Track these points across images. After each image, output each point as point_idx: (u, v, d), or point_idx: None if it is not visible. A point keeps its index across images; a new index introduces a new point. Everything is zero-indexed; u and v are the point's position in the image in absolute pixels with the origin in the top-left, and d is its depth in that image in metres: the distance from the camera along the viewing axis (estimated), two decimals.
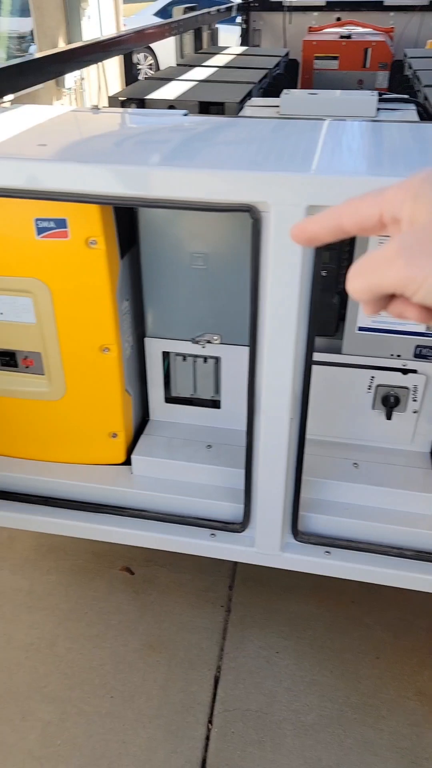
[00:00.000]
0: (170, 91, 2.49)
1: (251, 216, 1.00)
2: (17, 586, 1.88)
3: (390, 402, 1.34)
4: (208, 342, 1.37)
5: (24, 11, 4.90)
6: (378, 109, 1.97)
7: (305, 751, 1.48)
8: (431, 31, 4.07)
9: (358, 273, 0.42)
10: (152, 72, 8.11)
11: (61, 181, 1.03)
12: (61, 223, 1.17)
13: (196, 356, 1.42)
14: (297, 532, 1.30)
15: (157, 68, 8.25)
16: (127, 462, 1.47)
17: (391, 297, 0.43)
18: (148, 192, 1.02)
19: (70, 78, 5.21)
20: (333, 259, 1.29)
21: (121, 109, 2.09)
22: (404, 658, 1.67)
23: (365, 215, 0.44)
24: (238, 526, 1.31)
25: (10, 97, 1.97)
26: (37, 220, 1.17)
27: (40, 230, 1.18)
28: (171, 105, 2.30)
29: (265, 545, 1.31)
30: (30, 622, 1.78)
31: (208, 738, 1.51)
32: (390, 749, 1.49)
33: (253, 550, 1.31)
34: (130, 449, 1.47)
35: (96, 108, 1.46)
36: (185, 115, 1.36)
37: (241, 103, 2.26)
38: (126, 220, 1.27)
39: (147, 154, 1.12)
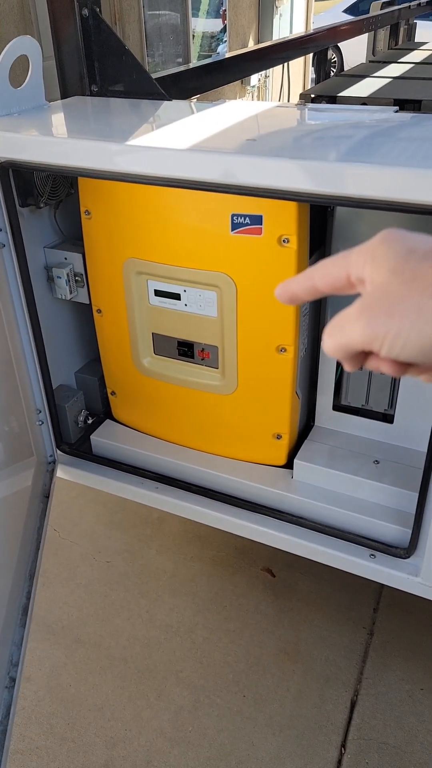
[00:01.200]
0: (363, 88, 2.41)
1: None
2: (162, 567, 1.94)
3: None
4: None
5: (218, 12, 5.05)
6: None
7: None
8: None
9: (329, 334, 0.46)
10: (335, 70, 7.97)
11: (259, 177, 1.01)
12: (256, 220, 1.16)
13: None
14: None
15: (341, 68, 8.09)
16: (288, 465, 1.44)
17: (366, 353, 0.46)
18: (345, 190, 0.97)
19: (255, 76, 5.28)
20: None
21: (329, 105, 2.05)
22: None
23: (335, 276, 0.47)
24: (403, 551, 1.23)
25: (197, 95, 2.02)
26: (234, 215, 1.17)
27: (235, 226, 1.18)
28: (364, 102, 2.22)
29: (431, 577, 1.21)
30: (172, 605, 1.82)
31: (340, 762, 1.45)
32: None
33: (416, 579, 1.22)
34: (292, 453, 1.44)
35: (302, 103, 1.44)
36: (396, 111, 1.29)
37: None
38: (318, 219, 1.23)
39: (362, 151, 1.07)
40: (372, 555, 1.27)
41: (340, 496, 1.36)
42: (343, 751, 1.47)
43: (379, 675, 1.62)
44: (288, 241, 1.16)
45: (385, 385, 1.38)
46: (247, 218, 1.16)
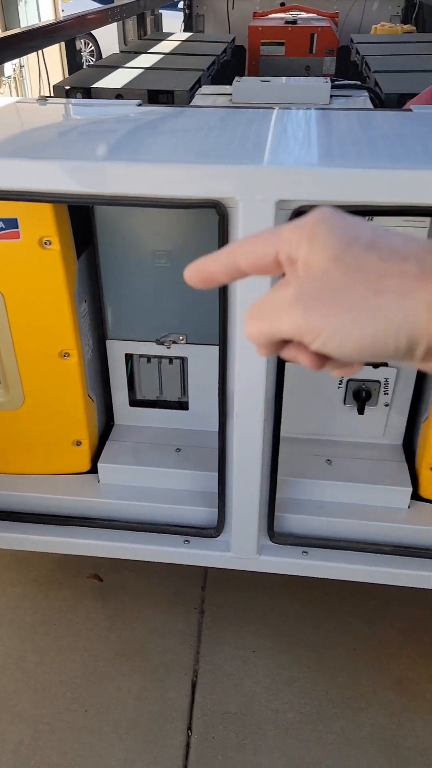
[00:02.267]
0: (116, 79, 2.41)
1: (218, 212, 0.95)
2: None
3: (361, 396, 1.33)
4: (174, 342, 1.32)
5: None
6: (330, 96, 1.95)
7: (287, 751, 1.47)
8: (375, 17, 4.08)
9: (256, 317, 0.42)
10: (93, 59, 7.88)
11: (7, 180, 0.95)
12: (11, 223, 1.10)
13: (161, 357, 1.37)
14: (273, 533, 1.28)
15: (99, 56, 8.02)
16: (93, 470, 1.41)
17: (285, 341, 0.42)
18: (105, 189, 0.96)
19: (9, 66, 5.02)
20: None
21: (70, 100, 2.00)
22: (381, 648, 1.68)
23: (260, 254, 0.43)
24: (213, 531, 1.27)
25: None
26: None
27: None
28: (119, 94, 2.22)
29: (241, 549, 1.27)
30: None
31: (188, 745, 1.48)
32: (371, 741, 1.49)
33: (229, 554, 1.27)
34: (96, 457, 1.41)
35: (44, 99, 1.38)
36: (138, 105, 1.30)
37: (191, 91, 2.20)
38: (81, 218, 1.20)
39: (103, 148, 1.06)
40: (186, 541, 1.30)
41: (148, 490, 1.37)
42: (189, 734, 1.50)
43: (214, 650, 1.68)
44: (50, 243, 1.11)
45: (176, 374, 1.41)
46: (1, 222, 1.09)
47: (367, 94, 2.05)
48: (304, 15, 3.71)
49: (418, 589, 1.35)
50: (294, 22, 3.41)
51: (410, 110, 1.25)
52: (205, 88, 2.22)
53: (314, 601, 1.79)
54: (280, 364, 1.09)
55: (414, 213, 0.94)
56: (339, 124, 1.17)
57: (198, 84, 2.31)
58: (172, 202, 0.96)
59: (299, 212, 0.90)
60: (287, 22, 3.40)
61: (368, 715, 1.54)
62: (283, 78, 2.09)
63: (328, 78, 2.03)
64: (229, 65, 3.11)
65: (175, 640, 1.70)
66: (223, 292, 1.03)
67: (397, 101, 2.05)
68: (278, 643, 1.69)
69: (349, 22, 4.00)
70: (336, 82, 2.10)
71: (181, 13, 4.30)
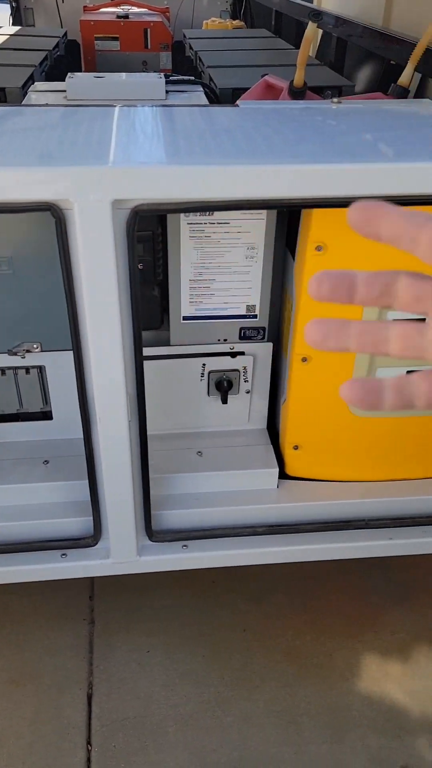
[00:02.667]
0: None
1: (53, 215, 0.93)
2: None
3: (224, 386, 1.36)
4: (28, 351, 1.27)
5: None
6: (166, 91, 1.96)
7: (189, 742, 1.49)
8: (205, 12, 4.16)
9: (403, 351, 0.38)
10: None
11: None
12: None
13: (16, 368, 1.31)
14: (152, 533, 1.27)
15: None
16: None
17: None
18: None
19: None
20: (148, 251, 1.26)
21: None
22: (269, 625, 1.74)
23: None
24: (90, 539, 1.25)
25: None
26: None
27: None
28: None
29: (121, 553, 1.26)
30: None
31: (89, 760, 1.45)
32: (267, 716, 1.54)
33: (109, 561, 1.25)
34: None
35: None
36: None
37: (24, 88, 2.11)
38: None
39: None
40: (63, 555, 1.26)
41: (18, 508, 1.31)
42: (90, 748, 1.47)
43: (107, 657, 1.65)
44: None
45: (35, 384, 1.35)
46: None
47: (201, 89, 2.08)
48: (135, 10, 3.70)
49: (295, 563, 1.42)
50: (126, 16, 3.39)
51: (237, 105, 1.29)
52: (39, 85, 2.14)
53: (202, 590, 1.82)
54: (139, 364, 1.09)
55: (251, 207, 0.97)
56: (172, 121, 1.18)
57: (31, 81, 2.23)
58: (6, 206, 0.92)
59: (137, 211, 0.90)
60: (119, 16, 3.37)
61: (262, 692, 1.59)
62: (118, 74, 2.07)
63: (162, 74, 2.04)
64: (63, 60, 3.03)
65: (66, 655, 1.66)
66: (71, 295, 1.01)
67: (231, 96, 2.10)
68: (171, 638, 1.70)
69: (181, 18, 4.05)
70: (171, 78, 2.11)
71: (8, 6, 4.12)
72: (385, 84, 3.06)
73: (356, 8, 3.85)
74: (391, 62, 2.91)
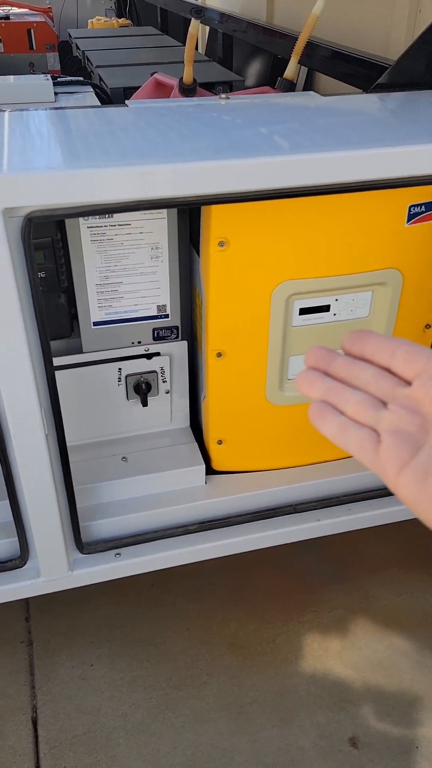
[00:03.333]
0: None
1: None
2: None
3: (142, 389, 1.35)
4: None
5: None
6: (55, 93, 1.91)
7: (141, 750, 1.47)
8: (89, 11, 4.10)
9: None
10: None
11: None
12: None
13: None
14: (82, 545, 1.25)
15: None
16: None
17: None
18: None
19: None
20: (49, 258, 1.22)
21: None
22: (211, 620, 1.75)
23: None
24: (18, 561, 1.21)
25: None
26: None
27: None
28: None
29: (52, 571, 1.23)
30: None
31: None
32: (218, 710, 1.55)
33: (40, 580, 1.22)
34: None
35: None
36: None
37: None
38: None
39: None
40: None
41: None
42: None
43: (50, 678, 1.61)
44: None
45: None
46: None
47: (92, 89, 2.05)
48: (16, 10, 3.58)
49: (231, 556, 1.43)
50: (6, 17, 3.28)
51: (126, 105, 1.28)
52: None
53: (141, 595, 1.80)
54: (50, 375, 1.06)
55: (149, 207, 0.96)
56: (63, 123, 1.16)
57: None
58: None
59: (30, 219, 0.88)
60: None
61: (211, 687, 1.60)
62: (4, 77, 2.00)
63: (49, 75, 1.99)
64: None
65: (6, 681, 1.60)
66: None
67: (123, 95, 2.08)
68: (114, 648, 1.68)
69: (65, 17, 3.96)
70: (59, 79, 2.06)
71: None
72: (273, 78, 3.13)
73: (240, 4, 3.91)
74: (278, 56, 2.98)
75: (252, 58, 3.21)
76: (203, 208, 1.15)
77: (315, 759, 1.46)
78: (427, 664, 1.64)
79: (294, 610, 1.77)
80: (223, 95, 1.35)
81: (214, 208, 1.10)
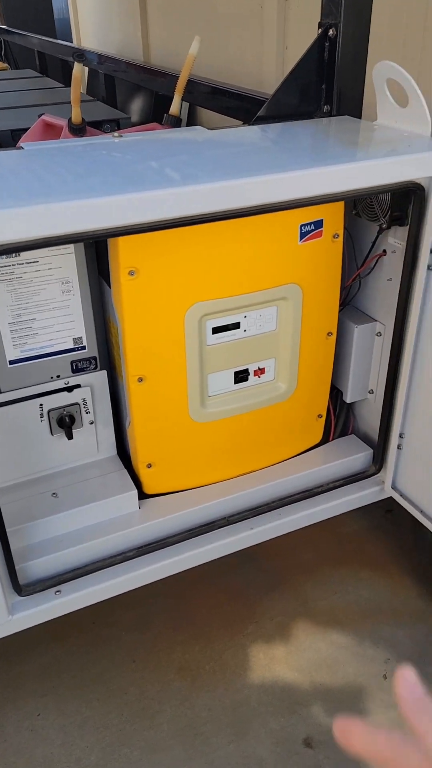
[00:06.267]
0: None
1: None
2: None
3: (66, 422, 1.35)
4: None
5: None
6: None
7: None
8: None
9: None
10: None
11: None
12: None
13: None
14: (20, 587, 1.22)
15: None
16: None
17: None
18: None
19: None
20: None
21: None
22: (156, 648, 1.75)
23: None
24: None
25: None
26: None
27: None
28: None
29: None
30: None
31: None
32: (172, 737, 1.55)
33: None
34: None
35: None
36: None
37: None
38: None
39: None
40: None
41: None
42: None
43: None
44: None
45: None
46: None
47: None
48: None
49: (169, 581, 1.44)
50: None
51: (21, 148, 1.30)
52: None
53: (84, 634, 1.77)
54: None
55: (53, 244, 0.99)
56: None
57: None
58: None
59: None
60: None
61: (163, 715, 1.59)
62: None
63: None
64: None
65: None
66: None
67: (11, 137, 2.10)
68: (61, 693, 1.63)
69: None
70: None
71: None
72: (156, 113, 3.25)
73: (116, 46, 4.03)
74: (159, 93, 3.10)
75: (134, 95, 3.31)
76: (110, 240, 1.19)
77: (273, 766, 1.49)
78: (367, 654, 1.72)
79: (236, 624, 1.80)
80: (116, 133, 1.41)
81: (121, 239, 1.14)
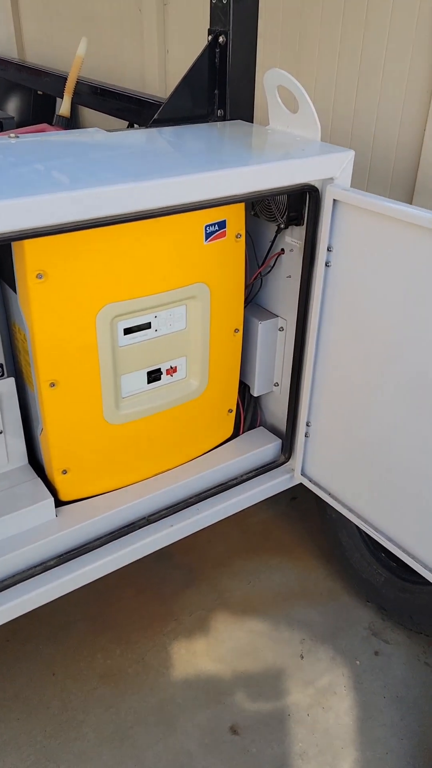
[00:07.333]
0: None
1: None
2: None
3: None
4: None
5: None
6: None
7: None
8: None
9: None
10: None
11: None
12: None
13: None
14: None
15: None
16: None
17: None
18: None
19: None
20: None
21: None
22: (77, 657, 1.71)
23: None
24: None
25: None
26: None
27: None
28: None
29: None
30: None
31: None
32: (100, 744, 1.53)
33: None
34: None
35: None
36: None
37: None
38: None
39: None
40: None
41: None
42: None
43: None
44: None
45: None
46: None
47: None
48: None
49: (87, 589, 1.41)
50: None
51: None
52: None
53: (0, 650, 1.70)
54: None
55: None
56: None
57: None
58: None
59: None
60: None
61: (89, 724, 1.57)
62: None
63: None
64: None
65: None
66: None
67: None
68: None
69: None
70: None
71: None
72: (38, 113, 3.16)
73: None
74: (38, 93, 3.02)
75: (10, 94, 3.20)
76: (14, 244, 1.15)
77: (203, 757, 1.51)
78: (282, 638, 1.79)
79: (156, 624, 1.81)
80: (12, 134, 1.37)
81: (27, 242, 1.11)
